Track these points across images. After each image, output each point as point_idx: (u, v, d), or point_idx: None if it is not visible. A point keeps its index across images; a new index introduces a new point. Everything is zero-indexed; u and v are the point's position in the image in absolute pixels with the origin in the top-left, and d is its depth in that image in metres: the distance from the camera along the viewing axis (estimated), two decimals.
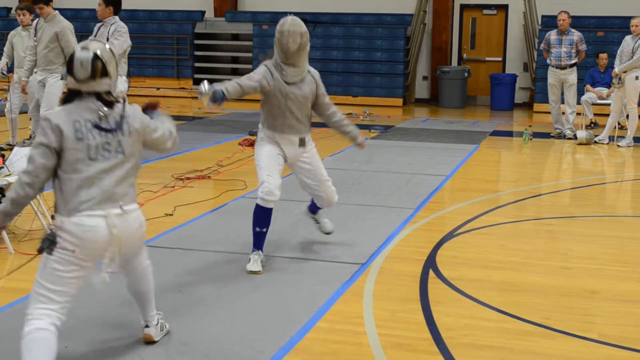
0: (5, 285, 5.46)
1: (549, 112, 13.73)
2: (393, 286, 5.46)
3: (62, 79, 8.83)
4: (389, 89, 18.32)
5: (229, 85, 5.55)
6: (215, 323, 4.71)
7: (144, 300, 4.35)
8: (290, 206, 7.29)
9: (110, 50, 3.94)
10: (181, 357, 4.23)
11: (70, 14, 19.82)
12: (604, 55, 14.68)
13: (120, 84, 8.98)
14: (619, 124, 13.09)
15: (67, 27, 9.13)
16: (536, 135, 13.16)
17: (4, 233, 6.06)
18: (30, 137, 10.04)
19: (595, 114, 14.59)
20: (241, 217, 7.32)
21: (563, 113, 13.34)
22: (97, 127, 3.82)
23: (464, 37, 19.48)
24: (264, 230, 5.75)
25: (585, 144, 12.48)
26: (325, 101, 5.92)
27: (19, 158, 6.41)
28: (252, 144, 11.43)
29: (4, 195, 6.35)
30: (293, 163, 5.92)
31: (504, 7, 19.15)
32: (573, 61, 12.93)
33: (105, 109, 3.86)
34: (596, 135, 12.74)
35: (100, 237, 3.80)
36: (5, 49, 10.96)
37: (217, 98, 5.40)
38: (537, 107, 17.38)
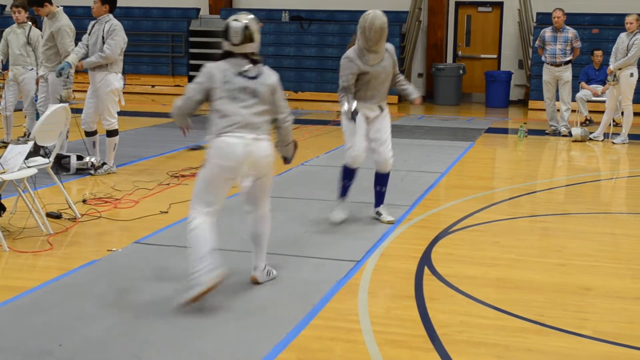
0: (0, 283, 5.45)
1: (544, 110, 13.75)
2: (388, 283, 5.47)
3: (58, 76, 8.80)
4: None
5: (351, 97, 6.76)
6: (211, 320, 4.71)
7: (259, 243, 5.28)
8: (286, 204, 7.29)
9: (255, 20, 5.08)
10: (176, 354, 4.23)
11: (65, 11, 19.81)
12: (598, 53, 14.70)
13: (116, 81, 8.97)
14: (613, 121, 13.12)
15: (64, 26, 9.07)
16: (531, 132, 13.18)
17: None
18: (25, 134, 10.02)
19: (590, 111, 14.63)
20: (236, 214, 7.30)
21: (558, 110, 13.36)
22: (240, 74, 4.98)
23: (459, 35, 19.50)
24: (349, 184, 7.06)
25: (580, 141, 12.50)
26: (396, 71, 7.02)
27: (13, 155, 6.38)
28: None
29: None
30: (371, 123, 6.92)
31: (499, 5, 19.17)
32: (568, 58, 12.95)
33: (249, 65, 5.00)
34: (591, 133, 12.76)
35: (237, 152, 4.87)
36: (0, 46, 10.93)
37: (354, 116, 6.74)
38: (532, 104, 17.41)
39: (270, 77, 5.11)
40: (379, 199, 7.20)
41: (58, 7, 9.24)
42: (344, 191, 7.06)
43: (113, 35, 8.83)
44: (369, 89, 6.78)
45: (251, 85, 4.99)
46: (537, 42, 13.44)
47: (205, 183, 4.95)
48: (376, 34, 6.57)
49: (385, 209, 7.20)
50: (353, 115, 6.68)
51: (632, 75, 12.20)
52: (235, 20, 5.04)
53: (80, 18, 18.11)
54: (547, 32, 13.08)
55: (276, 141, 5.35)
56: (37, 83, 9.57)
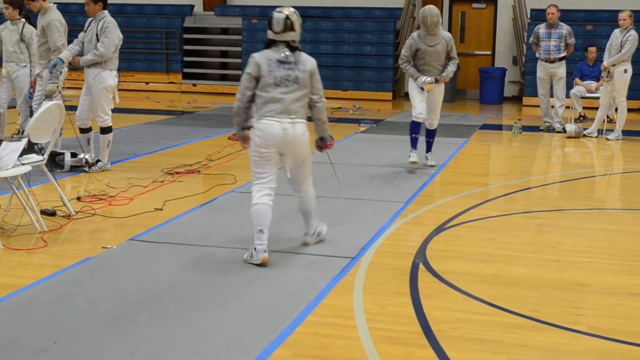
0: None
1: (538, 106, 13.77)
2: (383, 280, 5.47)
3: (50, 72, 8.79)
4: (379, 82, 18.33)
5: (411, 70, 9.28)
6: (206, 317, 4.71)
7: (307, 217, 6.11)
8: (282, 200, 7.27)
9: (296, 12, 5.71)
10: (172, 351, 4.22)
11: (59, 8, 19.77)
12: (592, 49, 14.72)
13: (110, 79, 8.95)
14: (608, 117, 13.14)
15: (54, 20, 9.05)
16: (525, 128, 13.19)
17: None
18: (19, 131, 9.99)
19: (584, 107, 14.64)
20: (231, 211, 7.32)
21: (552, 107, 13.38)
22: (282, 62, 5.65)
23: (454, 31, 19.48)
24: (417, 136, 9.45)
25: (575, 137, 12.52)
26: (451, 55, 9.36)
27: (7, 152, 6.35)
28: None
29: None
30: (430, 92, 9.33)
31: (493, 1, 19.18)
32: (562, 55, 12.96)
33: (288, 52, 5.66)
34: (585, 129, 12.78)
35: (276, 134, 5.61)
36: None
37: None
38: (526, 100, 17.43)
39: (308, 62, 5.77)
40: (429, 146, 9.74)
41: (51, 3, 9.22)
42: (413, 142, 9.46)
43: (106, 33, 8.80)
44: (427, 64, 9.20)
45: (292, 72, 5.67)
46: (531, 39, 13.45)
47: (254, 160, 5.72)
48: (431, 21, 8.98)
49: (431, 156, 9.72)
50: (425, 81, 9.13)
51: (626, 71, 12.22)
52: (279, 12, 5.68)
53: (74, 15, 18.12)
54: (541, 29, 13.09)
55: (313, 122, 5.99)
56: (33, 84, 9.53)
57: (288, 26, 5.65)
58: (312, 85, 5.81)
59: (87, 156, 9.02)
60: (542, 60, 13.07)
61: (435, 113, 9.48)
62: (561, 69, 12.99)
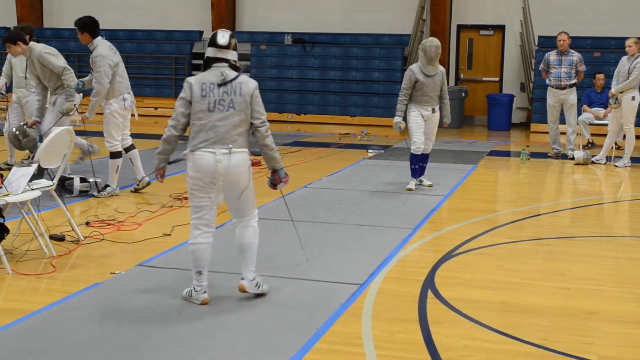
0: (2, 306, 5.43)
1: (547, 132, 13.76)
2: (392, 307, 5.45)
3: (77, 91, 8.93)
4: (387, 108, 18.35)
5: (403, 107, 9.70)
6: (214, 344, 4.70)
7: (245, 253, 5.45)
8: (289, 227, 7.28)
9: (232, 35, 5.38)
10: None
11: (51, 34, 20.00)
12: (600, 76, 14.73)
13: (115, 104, 8.97)
14: (616, 144, 13.13)
15: (40, 51, 9.09)
16: (533, 155, 13.19)
17: (2, 252, 6.04)
18: (29, 157, 10.03)
19: (592, 134, 14.64)
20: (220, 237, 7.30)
21: (562, 133, 13.38)
22: (220, 85, 5.22)
23: (461, 58, 19.57)
24: (416, 166, 9.90)
25: (583, 164, 12.50)
26: (444, 88, 9.79)
27: (17, 178, 6.39)
28: (254, 164, 11.39)
29: (2, 216, 6.35)
30: (427, 121, 9.75)
31: (501, 28, 19.25)
32: (572, 81, 12.99)
33: (228, 72, 5.25)
34: (593, 155, 12.77)
35: (206, 165, 5.17)
36: (4, 68, 10.97)
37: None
38: (534, 127, 17.43)
39: (249, 84, 5.31)
40: (422, 171, 10.08)
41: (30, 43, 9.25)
42: (413, 172, 9.94)
43: (96, 67, 8.73)
44: (424, 94, 9.59)
45: (229, 96, 5.24)
46: (541, 66, 13.46)
47: (189, 194, 5.33)
48: (430, 51, 9.44)
49: (425, 177, 10.10)
50: (399, 126, 9.64)
51: (633, 98, 12.24)
52: (221, 30, 5.41)
53: (66, 40, 18.31)
54: (552, 55, 13.12)
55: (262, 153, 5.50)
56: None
57: (232, 44, 5.33)
58: (253, 108, 5.31)
59: (97, 180, 9.05)
60: (552, 87, 13.08)
61: (430, 140, 9.92)
62: (572, 96, 13.01)
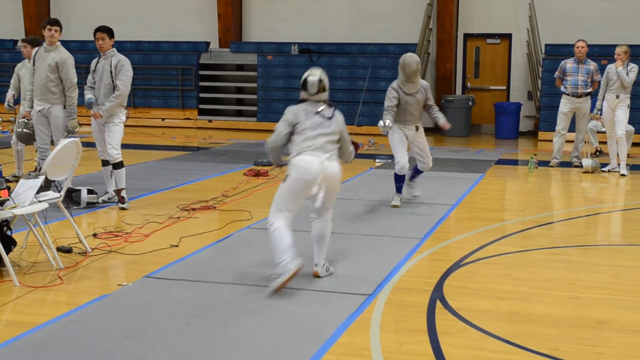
0: (10, 318, 5.42)
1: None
2: (400, 317, 5.42)
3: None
4: None
5: (390, 117, 8.98)
6: (222, 355, 4.67)
7: (320, 244, 6.25)
8: (297, 237, 7.26)
9: (323, 72, 6.27)
10: None
11: (76, 46, 20.00)
12: None
13: (121, 114, 9.07)
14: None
15: (68, 58, 9.11)
16: (541, 163, 13.14)
17: (9, 265, 6.04)
18: (36, 169, 10.04)
19: (600, 142, 14.60)
20: (247, 248, 7.30)
21: (569, 141, 13.35)
22: (317, 113, 6.16)
23: (468, 66, 19.56)
24: (401, 184, 9.34)
25: (591, 172, 12.45)
26: (429, 103, 9.26)
27: (24, 190, 6.39)
28: (257, 174, 11.43)
29: (9, 229, 6.35)
30: (412, 141, 9.26)
31: (508, 36, 19.24)
32: (589, 90, 12.94)
33: (323, 105, 6.21)
34: (602, 164, 12.72)
35: (313, 169, 5.94)
36: (12, 80, 11.02)
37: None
38: (541, 135, 17.39)
39: (340, 118, 6.32)
40: (415, 177, 9.71)
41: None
42: (398, 189, 9.37)
43: (123, 71, 8.88)
44: (407, 113, 9.07)
45: (327, 122, 6.18)
46: (556, 73, 13.30)
47: (286, 194, 6.01)
48: (410, 68, 8.87)
49: (417, 185, 9.77)
50: (386, 130, 8.90)
51: (629, 106, 12.38)
52: (312, 75, 6.19)
53: (91, 52, 18.23)
54: (569, 63, 13.03)
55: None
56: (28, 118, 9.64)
57: (322, 88, 6.18)
58: (342, 137, 6.30)
59: (122, 193, 9.05)
60: (568, 94, 12.98)
61: (426, 157, 9.40)
62: (587, 104, 12.96)
